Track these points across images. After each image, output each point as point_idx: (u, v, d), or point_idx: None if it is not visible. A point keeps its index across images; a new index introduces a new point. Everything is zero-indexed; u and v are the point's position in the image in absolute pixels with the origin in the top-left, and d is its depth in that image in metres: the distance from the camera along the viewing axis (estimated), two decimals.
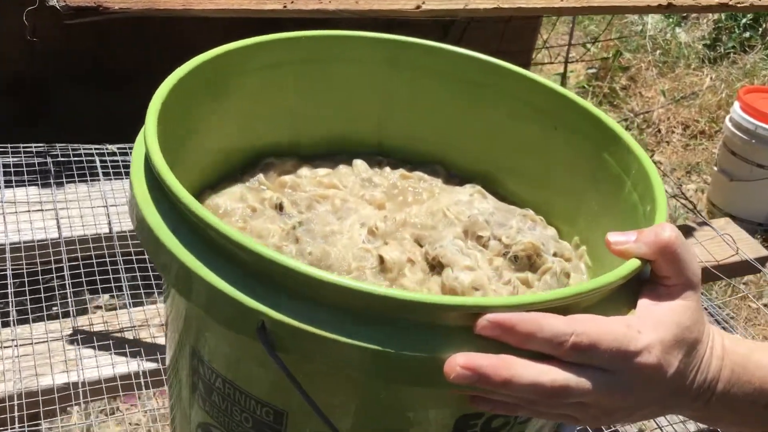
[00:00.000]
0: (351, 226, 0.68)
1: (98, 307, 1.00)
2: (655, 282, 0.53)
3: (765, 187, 2.78)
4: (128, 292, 1.02)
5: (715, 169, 2.95)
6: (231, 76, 0.69)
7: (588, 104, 0.69)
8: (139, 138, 0.61)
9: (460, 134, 0.78)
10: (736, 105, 2.80)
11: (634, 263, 0.52)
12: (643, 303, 0.52)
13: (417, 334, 0.47)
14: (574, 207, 0.72)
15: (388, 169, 0.78)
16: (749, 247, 1.29)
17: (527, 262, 0.67)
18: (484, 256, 0.66)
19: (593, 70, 3.77)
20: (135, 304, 1.04)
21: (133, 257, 1.09)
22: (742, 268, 1.29)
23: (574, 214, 0.72)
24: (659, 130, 3.51)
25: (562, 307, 0.48)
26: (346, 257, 0.65)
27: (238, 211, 0.69)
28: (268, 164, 0.75)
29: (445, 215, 0.71)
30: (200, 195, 0.71)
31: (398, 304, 0.46)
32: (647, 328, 0.49)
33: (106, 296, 1.42)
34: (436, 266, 0.66)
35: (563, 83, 3.54)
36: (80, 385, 0.91)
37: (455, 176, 0.80)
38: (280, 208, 0.70)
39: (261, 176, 0.74)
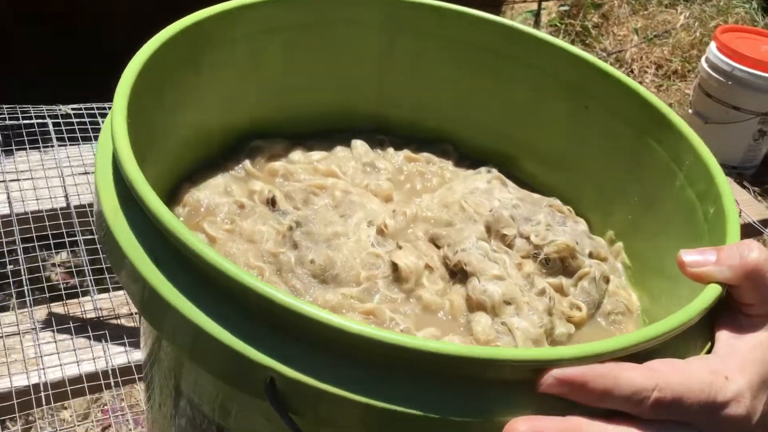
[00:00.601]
0: (357, 226, 0.58)
1: (58, 294, 0.90)
2: (735, 309, 0.45)
3: (740, 129, 2.73)
4: (91, 277, 0.92)
5: (690, 111, 2.88)
6: (212, 47, 0.59)
7: (629, 80, 0.59)
8: (105, 129, 0.50)
9: (472, 109, 0.68)
10: (712, 45, 2.72)
11: (714, 291, 0.43)
12: (724, 337, 0.44)
13: (466, 393, 0.38)
14: (607, 197, 0.63)
15: (391, 150, 0.68)
16: (753, 210, 1.23)
17: (560, 265, 0.58)
18: (511, 260, 0.57)
19: (565, 8, 3.65)
20: (99, 291, 0.93)
21: (95, 235, 0.97)
22: (744, 232, 1.23)
23: (608, 204, 0.63)
24: (632, 71, 3.43)
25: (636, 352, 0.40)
26: (354, 265, 0.55)
27: (223, 208, 0.59)
28: (255, 148, 0.65)
29: (463, 208, 0.62)
30: (178, 189, 0.60)
31: (446, 360, 0.37)
32: (734, 371, 0.41)
33: (67, 281, 1.31)
34: (457, 273, 0.57)
35: (536, 21, 3.43)
36: (42, 388, 0.81)
37: (467, 157, 0.70)
38: (272, 203, 0.60)
39: (247, 163, 0.64)
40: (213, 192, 0.60)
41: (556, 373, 0.38)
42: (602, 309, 0.57)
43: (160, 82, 0.54)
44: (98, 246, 0.87)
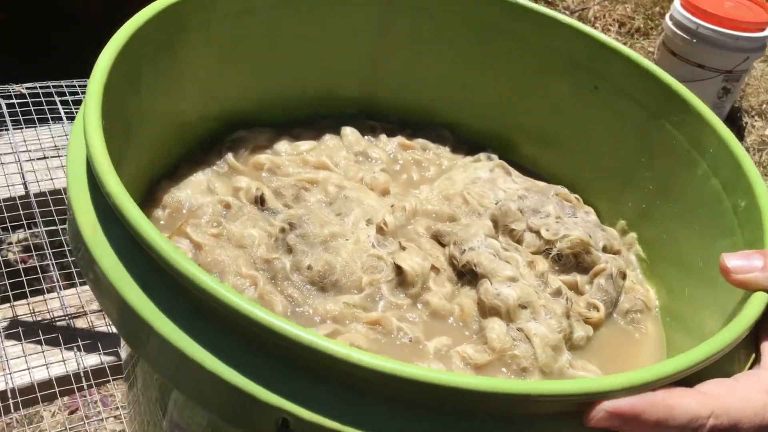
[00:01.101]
0: (355, 225, 0.53)
1: (21, 291, 0.83)
2: None
3: (705, 87, 2.72)
4: (57, 272, 0.85)
5: None
6: (189, 30, 0.53)
7: (643, 59, 0.55)
8: (77, 131, 0.45)
9: (470, 90, 0.64)
10: (677, 2, 2.69)
11: (763, 299, 0.40)
12: None
13: (506, 430, 0.34)
14: (617, 184, 0.59)
15: (383, 136, 0.63)
16: None
17: (573, 261, 0.54)
18: (523, 258, 0.53)
19: None
20: (66, 287, 0.87)
21: (59, 226, 0.91)
22: None
23: (618, 192, 0.59)
24: (595, 28, 3.40)
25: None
26: (355, 269, 0.51)
27: (207, 209, 0.54)
28: (237, 139, 0.59)
29: (466, 201, 0.57)
30: (156, 187, 0.55)
31: (483, 397, 0.33)
32: None
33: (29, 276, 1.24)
34: (466, 273, 0.52)
35: None
36: (10, 395, 0.75)
37: (464, 141, 0.65)
38: (260, 201, 0.55)
39: (230, 156, 0.58)
40: (195, 190, 0.55)
41: (607, 406, 0.34)
42: (620, 307, 0.54)
43: (135, 71, 0.48)
44: (68, 252, 0.81)
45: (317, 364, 0.33)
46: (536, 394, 0.33)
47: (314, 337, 0.32)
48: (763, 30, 2.45)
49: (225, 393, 0.35)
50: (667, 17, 2.81)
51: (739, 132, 2.58)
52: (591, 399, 0.34)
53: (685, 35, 2.72)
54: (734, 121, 2.63)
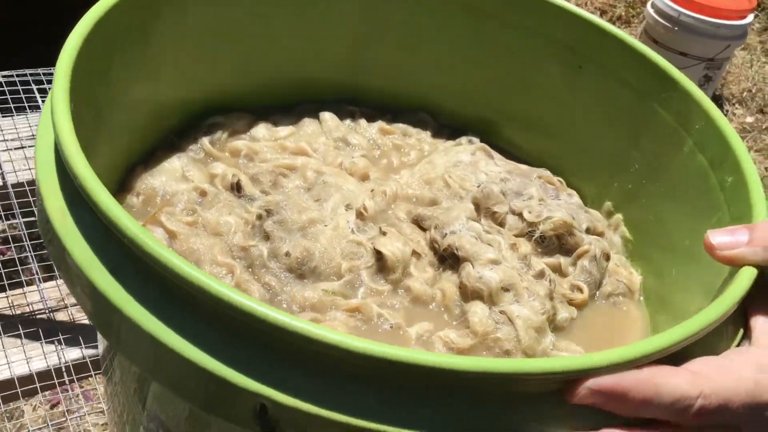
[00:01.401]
0: (334, 210, 0.52)
1: None
2: None
3: (687, 75, 2.69)
4: (36, 264, 0.84)
5: None
6: (162, 12, 0.51)
7: (629, 38, 0.54)
8: (45, 117, 0.43)
9: (451, 73, 0.63)
10: None
11: (750, 274, 0.39)
12: (761, 329, 0.39)
13: (489, 411, 0.33)
14: (603, 165, 0.58)
15: (363, 122, 0.62)
16: None
17: (557, 243, 0.54)
18: (505, 240, 0.52)
19: None
20: (46, 279, 0.85)
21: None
22: None
23: (604, 173, 0.58)
24: None
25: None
26: (334, 255, 0.50)
27: (182, 197, 0.52)
28: (214, 125, 0.58)
29: (447, 184, 0.57)
30: (130, 173, 0.53)
31: (466, 377, 0.32)
32: None
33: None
34: (447, 258, 0.52)
35: None
36: None
37: (445, 126, 0.65)
38: (237, 188, 0.53)
39: (206, 142, 0.57)
40: (169, 177, 0.54)
41: (591, 384, 0.33)
42: (602, 290, 0.53)
43: (106, 55, 0.47)
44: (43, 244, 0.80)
45: (294, 347, 0.32)
46: (520, 373, 0.32)
47: (290, 318, 0.31)
48: (744, 18, 2.45)
49: (201, 380, 0.34)
50: (648, 5, 2.81)
51: None
52: (575, 377, 0.33)
53: (666, 23, 2.73)
54: None
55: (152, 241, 0.33)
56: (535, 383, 0.33)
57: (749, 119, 2.72)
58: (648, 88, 0.53)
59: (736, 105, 2.82)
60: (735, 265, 0.40)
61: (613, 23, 3.38)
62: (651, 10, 2.75)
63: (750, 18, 2.47)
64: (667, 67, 0.52)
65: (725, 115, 2.54)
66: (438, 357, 0.32)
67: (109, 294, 0.35)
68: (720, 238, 0.41)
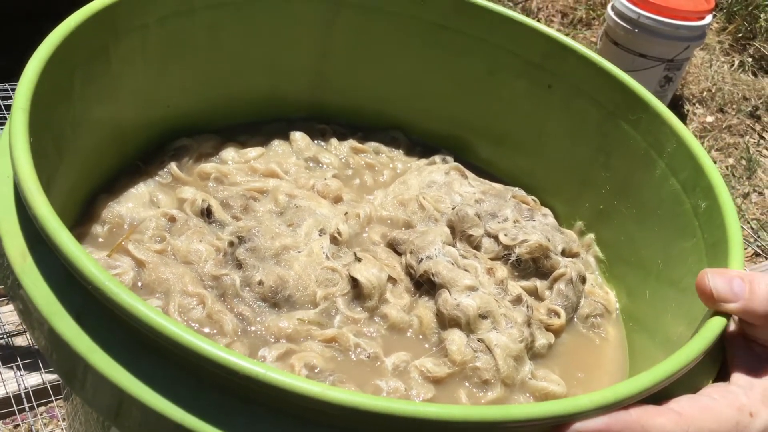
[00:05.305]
0: (307, 236, 0.51)
1: None
2: (747, 339, 0.41)
3: (647, 77, 2.75)
4: None
5: None
6: (123, 33, 0.50)
7: (599, 57, 0.54)
8: (2, 144, 0.41)
9: (422, 91, 0.62)
10: None
11: (723, 321, 0.39)
12: (740, 366, 0.39)
13: None
14: (574, 184, 0.58)
15: (334, 140, 0.61)
16: None
17: (533, 266, 0.53)
18: (482, 265, 0.51)
19: None
20: (3, 303, 0.82)
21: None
22: None
23: (575, 192, 0.58)
24: (539, 19, 3.42)
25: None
26: (308, 283, 0.48)
27: (150, 224, 0.51)
28: (181, 148, 0.57)
29: (422, 206, 0.56)
30: (94, 202, 0.52)
31: (451, 427, 0.31)
32: (757, 405, 0.38)
33: None
34: (423, 283, 0.51)
35: None
36: None
37: (418, 143, 0.64)
38: (207, 213, 0.52)
39: (173, 166, 0.55)
40: (136, 204, 0.52)
41: (578, 427, 0.32)
42: (580, 312, 0.53)
43: (67, 79, 0.45)
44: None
45: (266, 396, 0.31)
46: (506, 420, 0.31)
47: (263, 368, 0.30)
48: (702, 19, 2.48)
49: (166, 430, 0.32)
50: (609, 7, 2.84)
51: (682, 119, 2.61)
52: (562, 422, 0.32)
53: (626, 25, 2.75)
54: (676, 108, 2.66)
55: (121, 289, 0.31)
56: (522, 430, 0.32)
57: (709, 119, 2.75)
58: (617, 109, 0.53)
59: (697, 105, 2.85)
60: (720, 310, 0.40)
61: (574, 26, 3.41)
62: (611, 13, 2.78)
63: (708, 19, 2.50)
64: (636, 88, 0.52)
65: (686, 115, 2.57)
66: (426, 408, 0.31)
67: (73, 343, 0.33)
68: (719, 286, 0.40)
